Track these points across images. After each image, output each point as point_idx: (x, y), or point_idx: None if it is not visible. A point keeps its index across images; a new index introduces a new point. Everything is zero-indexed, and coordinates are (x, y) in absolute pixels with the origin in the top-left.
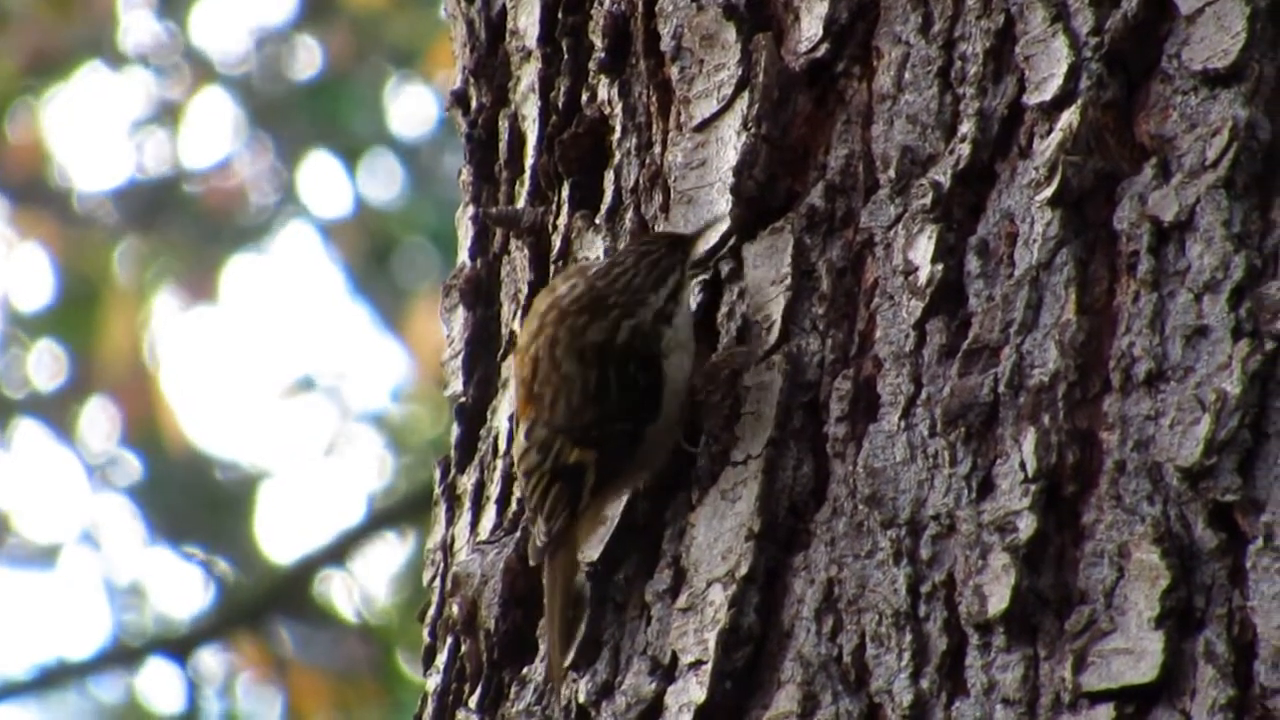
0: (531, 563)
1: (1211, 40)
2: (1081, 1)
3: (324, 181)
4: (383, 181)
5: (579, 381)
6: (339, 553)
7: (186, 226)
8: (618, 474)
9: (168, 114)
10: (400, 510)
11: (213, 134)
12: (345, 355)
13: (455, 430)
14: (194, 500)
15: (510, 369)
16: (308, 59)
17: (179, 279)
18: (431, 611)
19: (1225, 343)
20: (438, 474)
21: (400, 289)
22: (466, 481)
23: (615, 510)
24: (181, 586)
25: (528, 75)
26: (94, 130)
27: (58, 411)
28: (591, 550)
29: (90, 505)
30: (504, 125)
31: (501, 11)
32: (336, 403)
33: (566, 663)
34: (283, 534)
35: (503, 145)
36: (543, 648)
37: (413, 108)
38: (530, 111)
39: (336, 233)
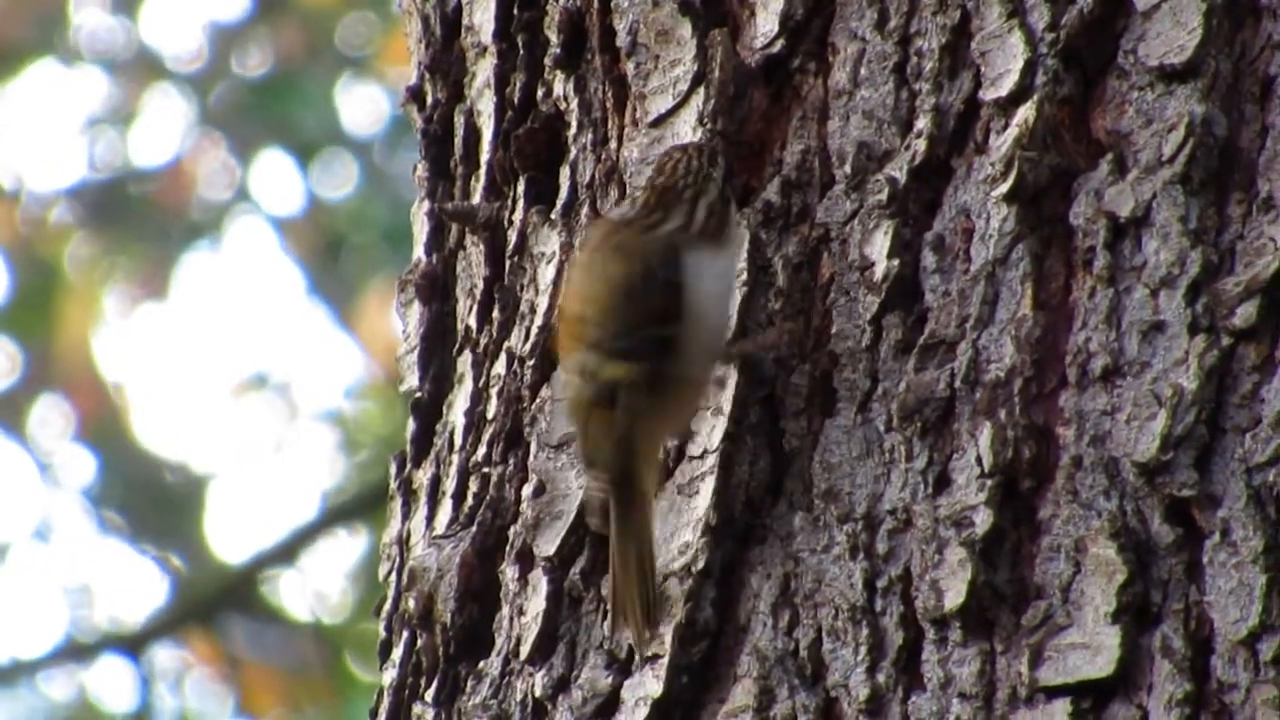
0: (594, 524)
1: (1168, 36)
2: None
3: (276, 179)
4: (335, 179)
5: (615, 284)
6: (291, 550)
7: (139, 224)
8: (659, 393)
9: (120, 111)
10: (353, 507)
11: (164, 131)
12: (298, 352)
13: (411, 425)
14: (146, 497)
15: (466, 364)
16: (259, 56)
17: (131, 276)
18: (387, 606)
19: (1182, 338)
20: (393, 469)
21: (353, 286)
22: (422, 476)
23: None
24: (134, 583)
25: (483, 71)
26: (46, 127)
27: (10, 409)
28: (548, 545)
29: (42, 502)
30: (459, 121)
31: (457, 7)
32: (288, 400)
33: (650, 630)
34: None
35: (458, 141)
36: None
37: (365, 105)
38: (486, 107)
39: (289, 230)
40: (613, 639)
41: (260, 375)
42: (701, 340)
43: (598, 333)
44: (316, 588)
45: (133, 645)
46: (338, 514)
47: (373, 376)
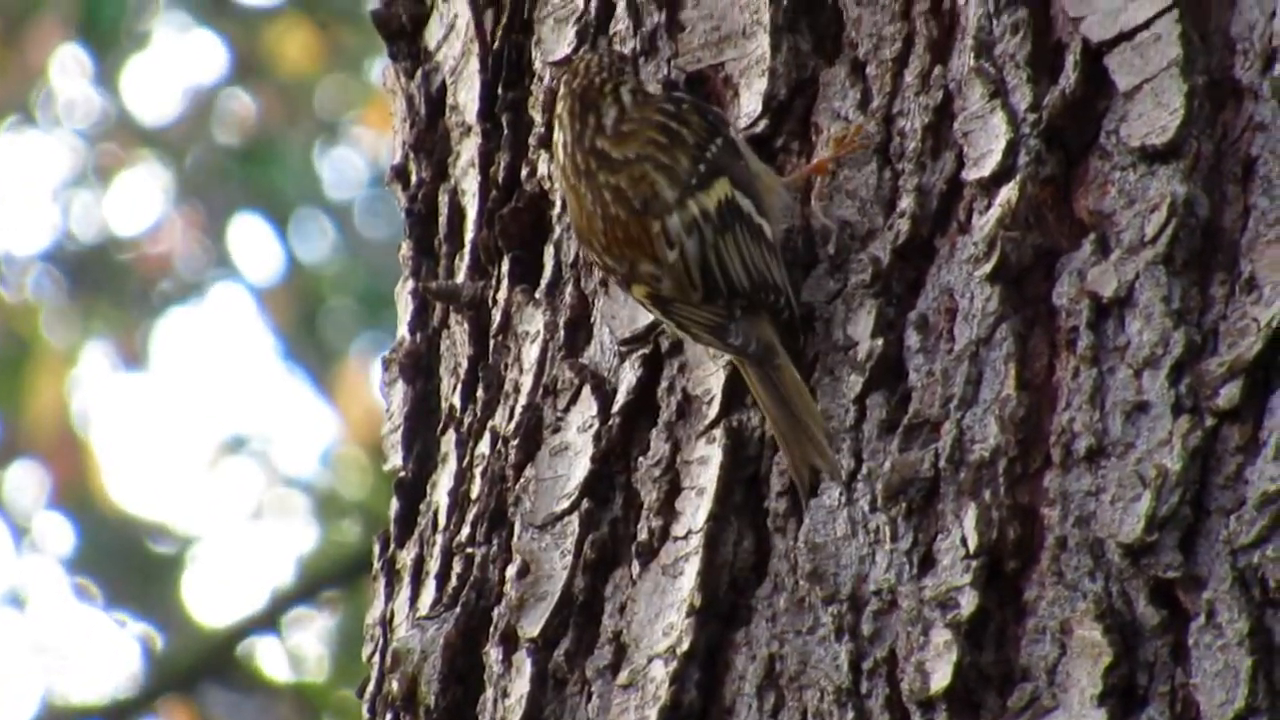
0: (747, 356)
1: (1150, 117)
2: (1019, 78)
3: (254, 244)
4: (313, 243)
5: (649, 144)
6: (269, 618)
7: (116, 289)
8: (757, 193)
9: (96, 176)
10: (330, 574)
11: (142, 196)
12: (274, 418)
13: (395, 505)
14: (123, 563)
15: (450, 443)
16: (237, 122)
17: (108, 342)
18: (371, 687)
19: (1165, 419)
20: (377, 548)
21: (330, 351)
22: (406, 556)
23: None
24: (111, 652)
25: (467, 150)
26: (22, 192)
27: None
28: (532, 626)
29: (17, 569)
30: (444, 200)
31: (441, 87)
32: (265, 465)
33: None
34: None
35: (442, 220)
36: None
37: (343, 170)
38: (470, 186)
39: (267, 295)
40: (806, 488)
41: (237, 440)
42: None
43: (674, 190)
44: (294, 654)
45: (111, 715)
46: (315, 580)
47: (349, 442)
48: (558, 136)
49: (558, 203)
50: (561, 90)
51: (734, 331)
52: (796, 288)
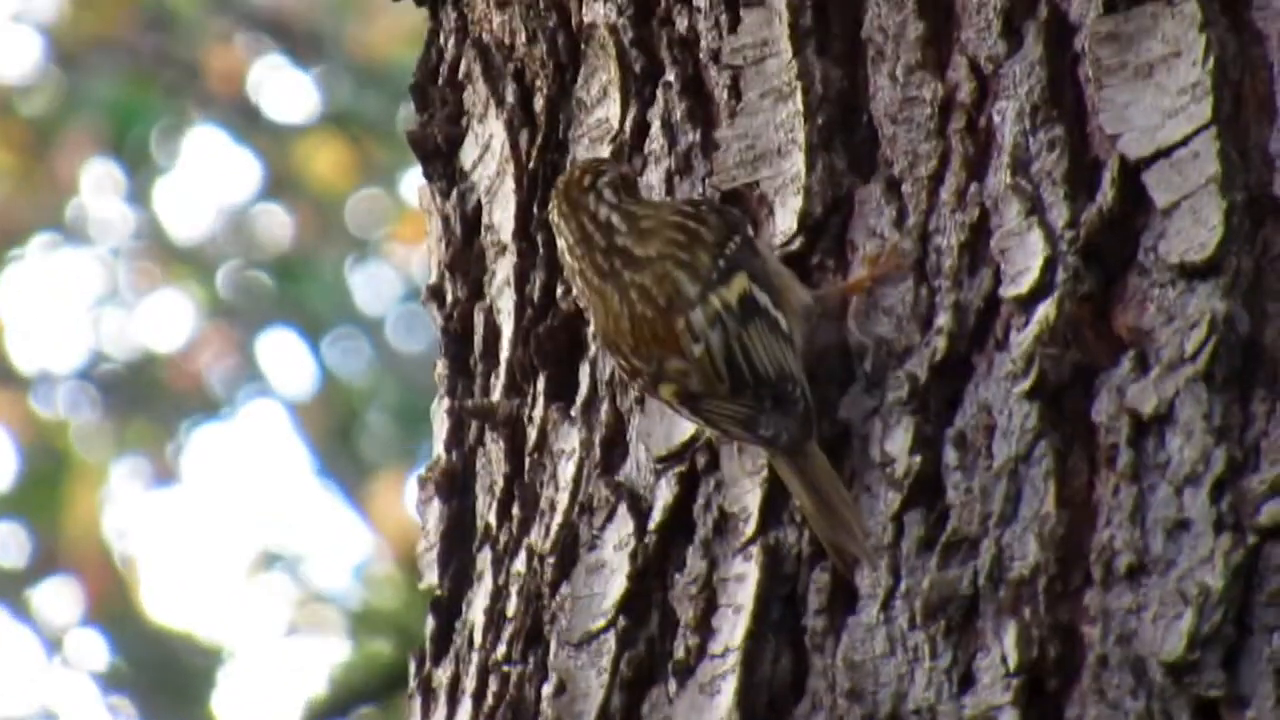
0: (778, 447)
1: (1188, 233)
2: (1056, 195)
3: (288, 359)
4: (347, 358)
5: (669, 244)
6: None
7: (149, 405)
8: (774, 289)
9: (129, 292)
10: (363, 690)
11: (174, 312)
12: (308, 533)
13: (430, 623)
14: (157, 678)
15: (486, 561)
16: (269, 237)
17: (141, 458)
18: None
19: (1207, 536)
20: (412, 666)
21: (364, 466)
22: (442, 675)
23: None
24: None
25: (503, 269)
26: (54, 309)
27: (17, 591)
28: None
29: (50, 685)
30: (479, 318)
31: (476, 206)
32: (298, 580)
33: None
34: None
35: (478, 338)
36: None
37: (376, 284)
38: (505, 305)
39: (301, 409)
40: (849, 572)
41: (270, 555)
42: (764, 243)
43: (696, 286)
44: None
45: None
46: (348, 696)
47: (383, 557)
48: (561, 243)
49: (592, 320)
50: (551, 200)
51: (764, 423)
52: (811, 384)
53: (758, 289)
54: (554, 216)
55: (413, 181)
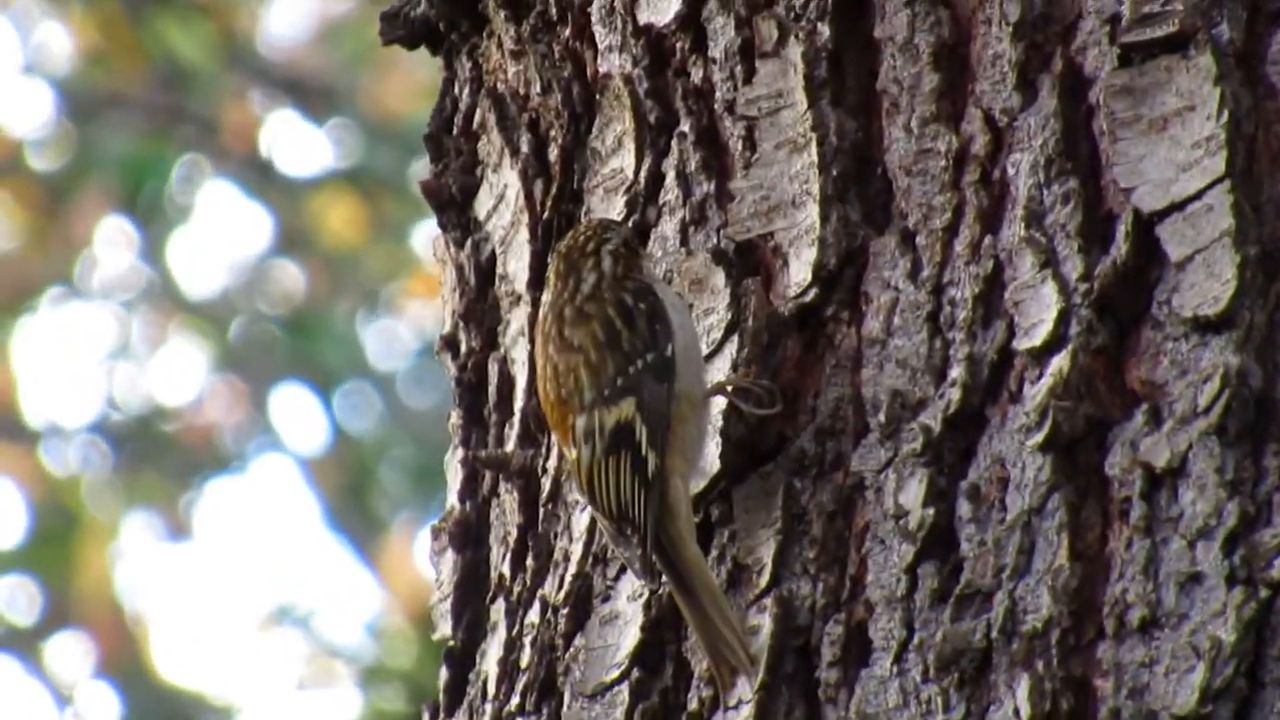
0: (652, 587)
1: (1202, 287)
2: (1071, 247)
3: (299, 414)
4: (358, 413)
5: (590, 339)
6: None
7: (160, 460)
8: (667, 421)
9: (141, 347)
10: None
11: (186, 367)
12: (319, 588)
13: (444, 674)
14: None
15: (499, 612)
16: (281, 292)
17: (152, 513)
18: None
19: (1219, 590)
20: (426, 717)
21: (375, 521)
22: None
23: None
24: None
25: (517, 319)
26: (66, 363)
27: (29, 646)
28: None
29: None
30: (493, 369)
31: (491, 257)
32: (310, 636)
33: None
34: None
35: (492, 389)
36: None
37: (388, 339)
38: (520, 355)
39: (313, 465)
40: (725, 691)
41: (282, 610)
42: (692, 356)
43: (591, 393)
44: None
45: None
46: None
47: (394, 613)
48: (544, 296)
49: None
50: (554, 253)
51: (622, 544)
52: (657, 531)
53: (641, 420)
54: (549, 272)
55: (426, 236)
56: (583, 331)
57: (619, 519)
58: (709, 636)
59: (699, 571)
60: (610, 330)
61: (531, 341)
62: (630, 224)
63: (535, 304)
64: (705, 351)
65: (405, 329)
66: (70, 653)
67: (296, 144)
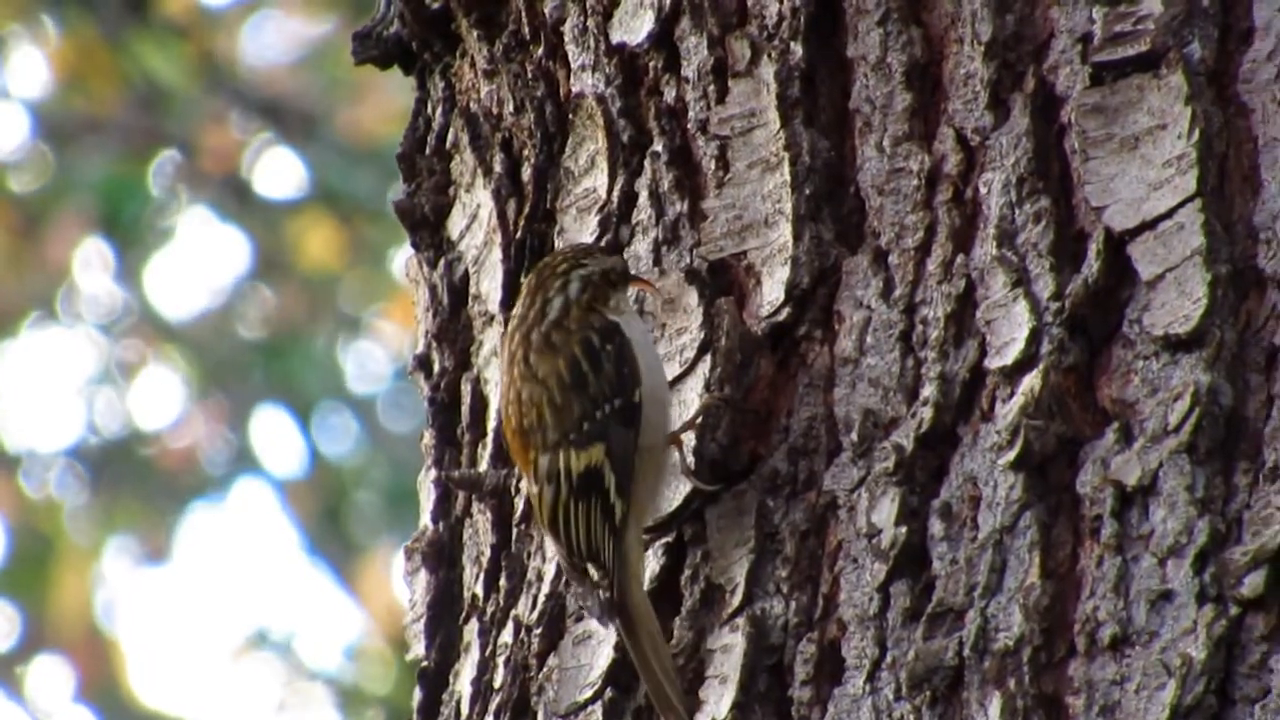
0: (608, 625)
1: (1173, 305)
2: (1042, 267)
3: (277, 438)
4: (337, 437)
5: (555, 377)
6: None
7: (138, 484)
8: (632, 468)
9: (119, 371)
10: None
11: (164, 391)
12: (298, 612)
13: (418, 694)
14: None
15: (473, 632)
16: (259, 316)
17: (131, 537)
18: None
19: (1190, 607)
20: None
21: (353, 545)
22: None
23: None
24: None
25: (490, 339)
26: (45, 388)
27: (9, 670)
28: None
29: None
30: (466, 389)
31: (464, 276)
32: (288, 659)
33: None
34: None
35: (465, 408)
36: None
37: (366, 364)
38: (493, 375)
39: (290, 489)
40: None
41: (260, 634)
42: (659, 397)
43: (555, 434)
44: None
45: None
46: None
47: (372, 636)
48: (514, 309)
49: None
50: (531, 269)
51: (579, 582)
52: (624, 574)
53: (610, 467)
54: (522, 289)
55: (404, 261)
56: (548, 365)
57: (589, 561)
58: (650, 681)
59: (644, 619)
60: (576, 372)
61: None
62: (622, 257)
63: (507, 324)
64: (678, 371)
65: (383, 353)
66: (49, 676)
67: (275, 169)
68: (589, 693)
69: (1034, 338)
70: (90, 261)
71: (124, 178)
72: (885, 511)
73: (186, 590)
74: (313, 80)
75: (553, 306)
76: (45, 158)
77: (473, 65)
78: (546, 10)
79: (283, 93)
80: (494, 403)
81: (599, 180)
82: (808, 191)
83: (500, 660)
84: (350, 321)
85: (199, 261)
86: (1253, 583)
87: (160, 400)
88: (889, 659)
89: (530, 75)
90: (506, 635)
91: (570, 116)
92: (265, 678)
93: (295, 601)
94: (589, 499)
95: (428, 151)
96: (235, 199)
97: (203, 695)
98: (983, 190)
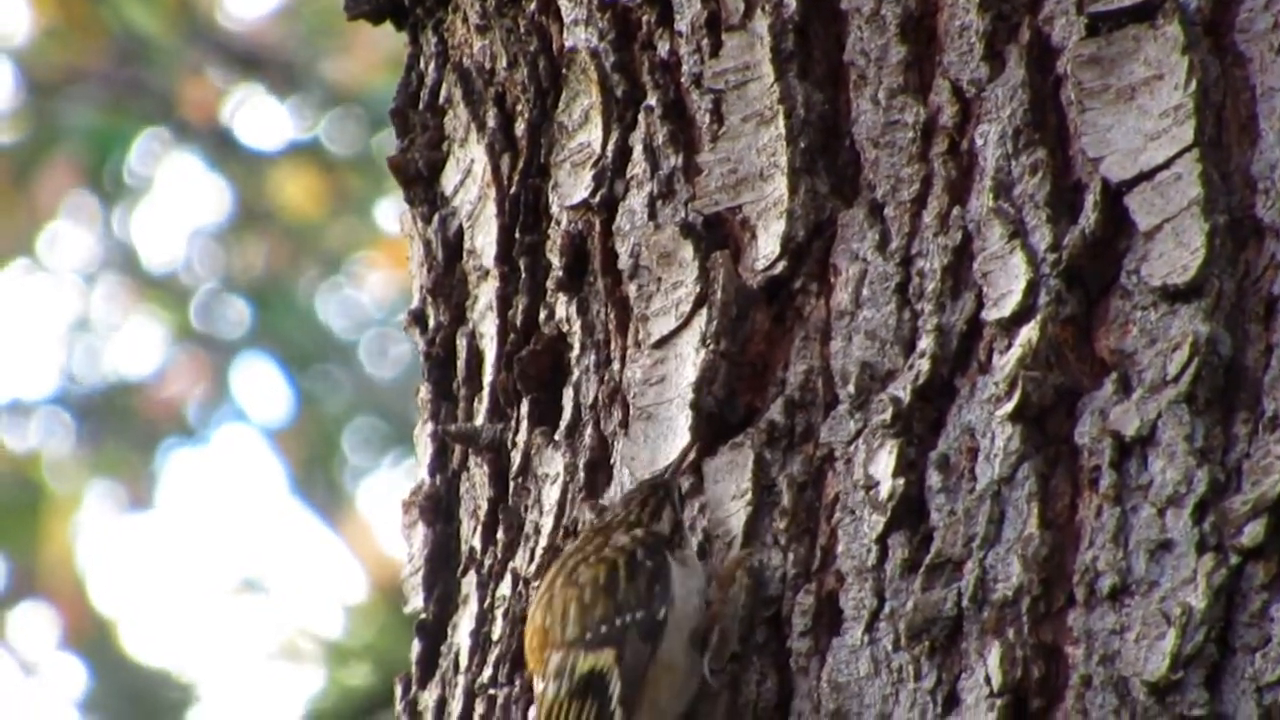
0: None
1: (1171, 256)
2: (1039, 218)
3: (261, 386)
4: (321, 385)
5: (589, 582)
6: None
7: (122, 432)
8: (641, 681)
9: (102, 319)
10: (339, 717)
11: (148, 339)
12: (283, 560)
13: (416, 646)
14: (132, 706)
15: (471, 585)
16: (243, 265)
17: (115, 485)
18: None
19: (1189, 557)
20: (399, 690)
21: (339, 492)
22: (428, 698)
23: None
24: None
25: (485, 293)
26: (28, 336)
27: None
28: None
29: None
30: (462, 343)
31: (459, 231)
32: (274, 607)
33: None
34: None
35: (461, 363)
36: None
37: (350, 311)
38: (488, 329)
39: (277, 436)
40: None
41: (246, 582)
42: (684, 625)
43: (574, 631)
44: None
45: None
46: None
47: (360, 584)
48: (568, 545)
49: (576, 345)
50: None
51: None
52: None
53: (618, 675)
54: (578, 538)
55: (387, 209)
56: (590, 573)
57: None
58: None
59: None
60: (611, 575)
61: (541, 574)
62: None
63: (503, 279)
64: (674, 325)
65: (367, 300)
66: (34, 624)
67: (258, 117)
68: None
69: (1031, 289)
70: (73, 210)
71: (107, 128)
72: (883, 463)
73: (170, 538)
74: (294, 29)
75: (613, 543)
76: (28, 108)
77: (465, 20)
78: None
79: (265, 42)
80: (489, 357)
81: (593, 135)
82: (803, 145)
83: (499, 612)
84: (334, 269)
85: (182, 210)
86: (1252, 532)
87: (143, 348)
88: (887, 610)
89: (523, 30)
90: (504, 588)
91: (563, 71)
92: (251, 625)
93: (280, 549)
94: (585, 701)
95: (421, 107)
96: (218, 148)
97: (188, 643)
98: (979, 142)
